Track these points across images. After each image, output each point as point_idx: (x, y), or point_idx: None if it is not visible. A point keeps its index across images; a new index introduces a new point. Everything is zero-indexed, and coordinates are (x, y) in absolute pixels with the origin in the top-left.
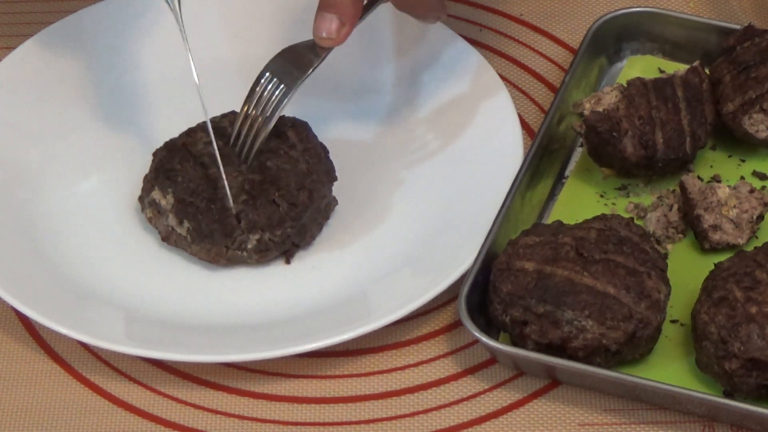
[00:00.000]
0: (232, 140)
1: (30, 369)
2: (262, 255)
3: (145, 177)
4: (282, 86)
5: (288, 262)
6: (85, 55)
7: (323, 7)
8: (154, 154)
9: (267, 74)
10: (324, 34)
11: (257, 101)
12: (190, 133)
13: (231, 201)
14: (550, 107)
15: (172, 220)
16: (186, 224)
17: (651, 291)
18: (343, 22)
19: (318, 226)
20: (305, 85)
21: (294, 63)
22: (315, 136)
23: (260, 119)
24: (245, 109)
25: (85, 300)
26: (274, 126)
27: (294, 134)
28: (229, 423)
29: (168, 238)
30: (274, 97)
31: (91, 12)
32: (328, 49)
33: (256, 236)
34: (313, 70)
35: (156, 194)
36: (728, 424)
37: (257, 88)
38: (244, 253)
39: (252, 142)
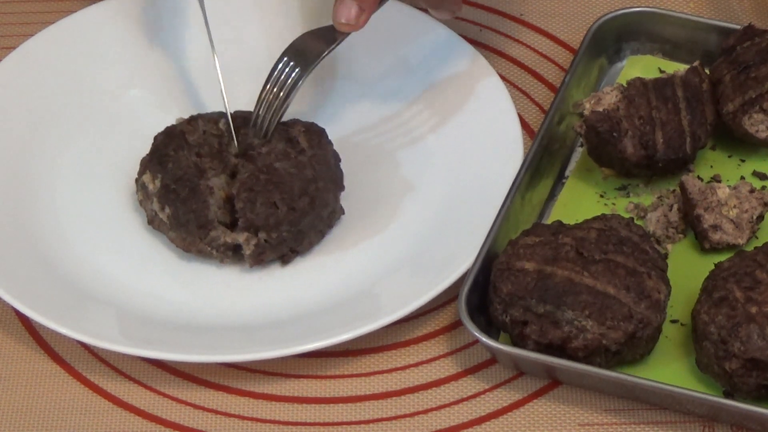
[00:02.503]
0: (252, 121)
1: (30, 369)
2: (258, 258)
3: (142, 159)
4: (298, 69)
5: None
6: (85, 54)
7: None
8: (155, 138)
9: (285, 58)
10: (343, 20)
11: (275, 82)
12: (191, 120)
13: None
14: (550, 107)
15: (155, 205)
16: (167, 210)
17: (651, 291)
18: (362, 9)
19: (318, 234)
20: (306, 86)
21: (311, 47)
22: (329, 143)
23: (278, 99)
24: (265, 89)
25: (85, 300)
26: (287, 130)
27: (305, 140)
28: (229, 423)
29: (152, 221)
30: (290, 79)
31: (91, 12)
32: (346, 34)
33: (248, 238)
34: (328, 53)
35: (146, 177)
36: (728, 424)
37: (275, 71)
38: (214, 251)
39: (270, 119)
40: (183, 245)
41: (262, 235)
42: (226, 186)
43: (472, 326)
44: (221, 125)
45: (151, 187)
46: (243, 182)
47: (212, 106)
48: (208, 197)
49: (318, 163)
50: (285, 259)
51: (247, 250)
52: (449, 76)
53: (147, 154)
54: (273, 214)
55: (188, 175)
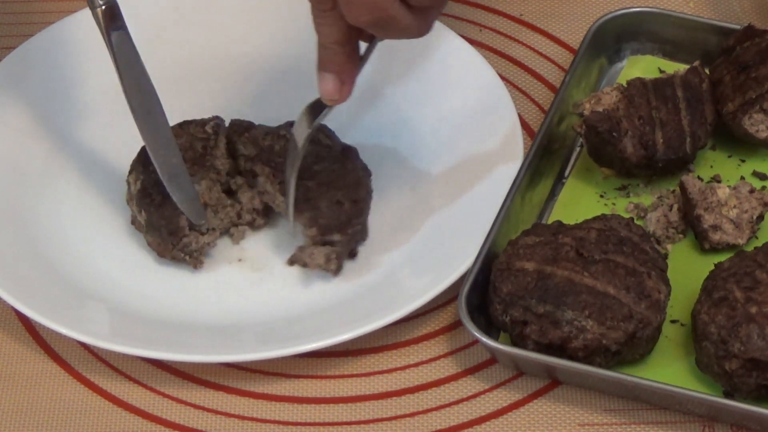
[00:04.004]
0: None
1: (30, 369)
2: (340, 265)
3: (132, 160)
4: (291, 157)
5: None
6: (85, 54)
7: (321, 67)
8: None
9: (290, 135)
10: (326, 95)
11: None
12: (182, 125)
13: (290, 213)
14: (550, 107)
15: (134, 207)
16: (143, 214)
17: (651, 291)
18: (342, 81)
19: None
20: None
21: (300, 127)
22: (361, 161)
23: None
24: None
25: (85, 300)
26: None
27: (324, 135)
28: (229, 423)
29: (134, 222)
30: (287, 172)
31: (90, 12)
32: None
33: (324, 252)
34: (318, 123)
35: (130, 178)
36: (728, 424)
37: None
38: (187, 257)
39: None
40: (158, 250)
41: (336, 237)
42: (207, 192)
43: (472, 326)
44: (208, 128)
45: (132, 188)
46: (296, 199)
47: (212, 107)
48: None
49: (345, 157)
50: (352, 254)
51: (332, 265)
52: (449, 76)
53: (137, 155)
54: (342, 212)
55: None
